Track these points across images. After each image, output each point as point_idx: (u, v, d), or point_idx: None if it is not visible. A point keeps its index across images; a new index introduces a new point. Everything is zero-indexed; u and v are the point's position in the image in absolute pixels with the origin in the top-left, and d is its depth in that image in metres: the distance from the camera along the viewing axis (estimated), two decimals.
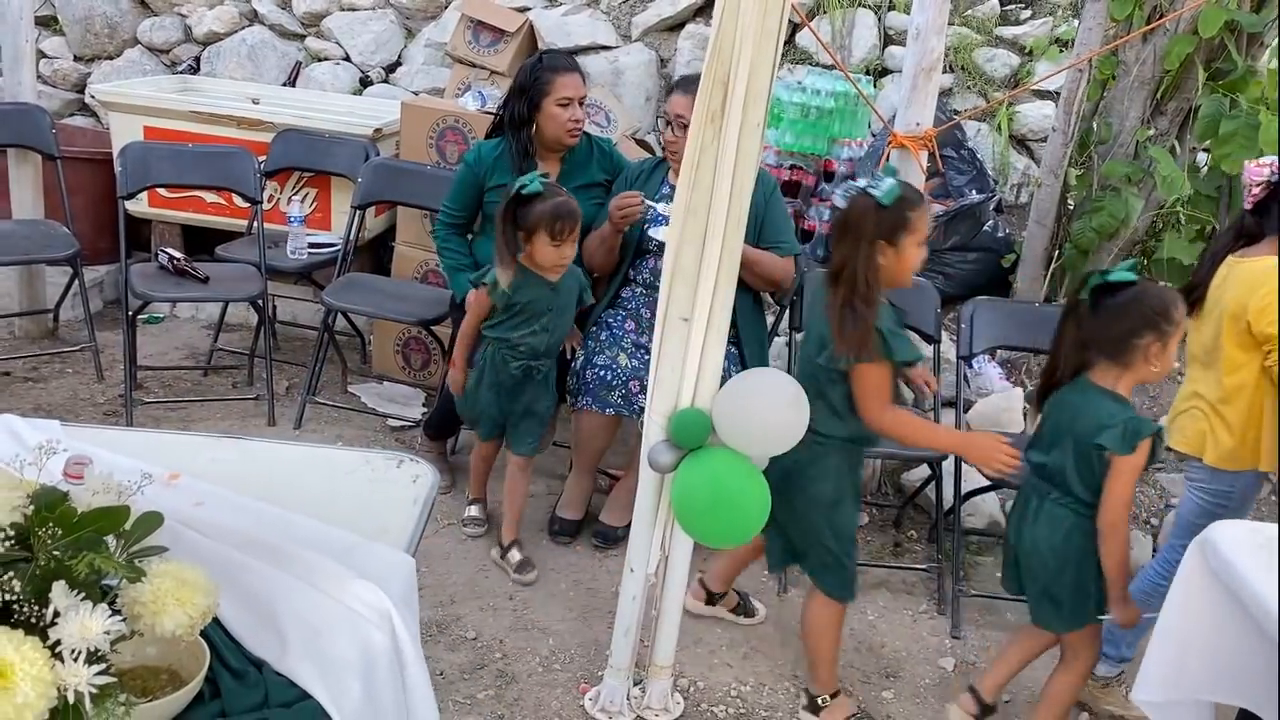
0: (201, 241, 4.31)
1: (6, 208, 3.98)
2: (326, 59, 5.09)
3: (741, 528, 2.17)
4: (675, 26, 4.78)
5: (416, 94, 4.81)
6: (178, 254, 3.65)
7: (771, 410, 2.15)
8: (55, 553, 1.09)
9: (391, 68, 5.09)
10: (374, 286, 3.74)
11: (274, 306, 4.33)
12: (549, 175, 3.00)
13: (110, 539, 1.17)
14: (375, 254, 4.35)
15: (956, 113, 4.18)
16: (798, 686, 2.61)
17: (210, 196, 4.13)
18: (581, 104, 3.12)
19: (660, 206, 2.85)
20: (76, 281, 3.80)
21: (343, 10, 5.14)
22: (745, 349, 3.04)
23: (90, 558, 1.02)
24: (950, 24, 3.86)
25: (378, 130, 4.08)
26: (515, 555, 2.93)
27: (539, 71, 3.07)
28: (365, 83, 5.04)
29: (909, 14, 3.48)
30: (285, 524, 1.61)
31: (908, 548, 3.31)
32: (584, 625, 2.77)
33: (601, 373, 2.93)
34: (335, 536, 1.59)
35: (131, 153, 3.66)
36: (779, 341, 3.52)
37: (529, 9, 4.91)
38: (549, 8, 4.95)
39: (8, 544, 1.04)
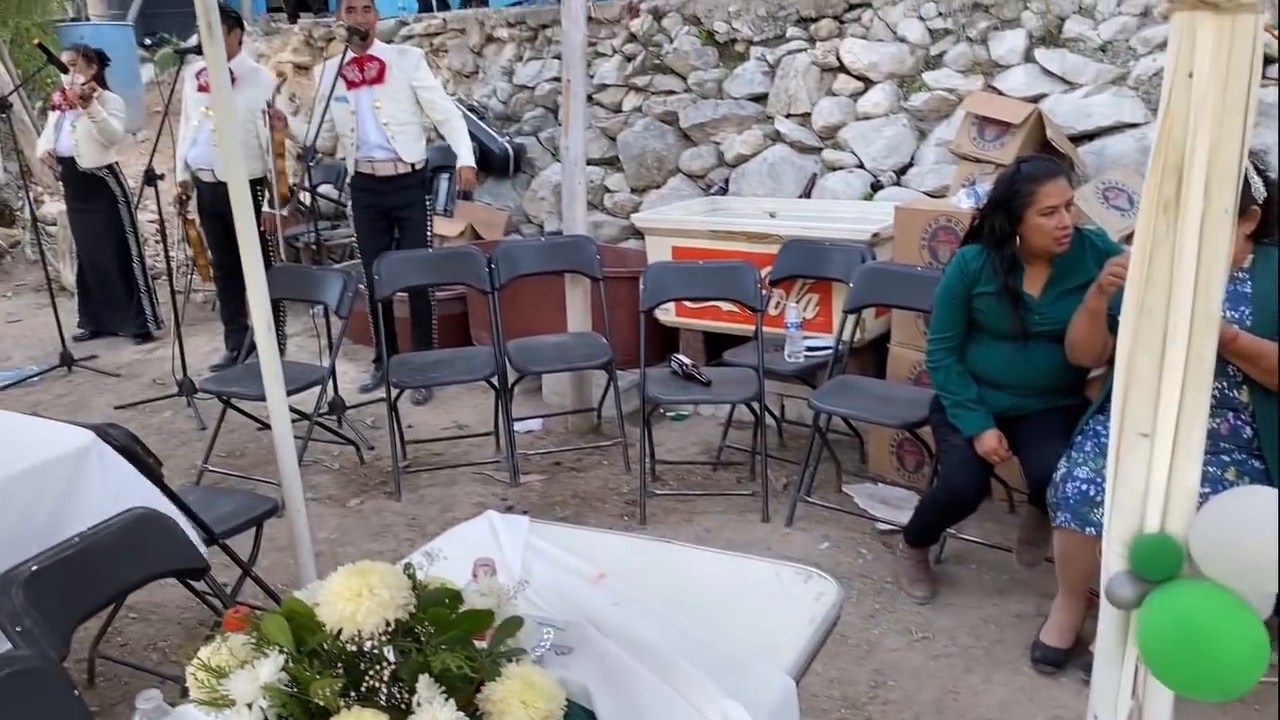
0: (722, 346, 4.69)
1: (564, 322, 4.69)
2: (840, 168, 5.30)
3: (1224, 677, 1.81)
4: None
5: (925, 194, 4.82)
6: (687, 360, 4.02)
7: (1265, 537, 1.79)
8: (443, 646, 1.27)
9: (903, 170, 5.16)
10: (862, 388, 3.77)
11: (782, 406, 4.56)
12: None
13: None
14: (877, 354, 4.39)
15: None
16: None
17: (726, 305, 4.49)
18: (1068, 207, 2.91)
19: None
20: (612, 385, 4.35)
21: (858, 120, 5.34)
22: (1272, 464, 2.56)
23: (444, 656, 1.17)
24: None
25: (875, 235, 4.15)
26: None
27: (1018, 184, 2.92)
28: (876, 186, 5.15)
29: None
30: (681, 632, 1.69)
31: None
32: None
33: (1084, 486, 2.64)
34: (723, 650, 1.64)
35: (651, 272, 4.15)
36: None
37: (1044, 95, 4.71)
38: (1067, 92, 4.69)
39: (390, 635, 1.23)
